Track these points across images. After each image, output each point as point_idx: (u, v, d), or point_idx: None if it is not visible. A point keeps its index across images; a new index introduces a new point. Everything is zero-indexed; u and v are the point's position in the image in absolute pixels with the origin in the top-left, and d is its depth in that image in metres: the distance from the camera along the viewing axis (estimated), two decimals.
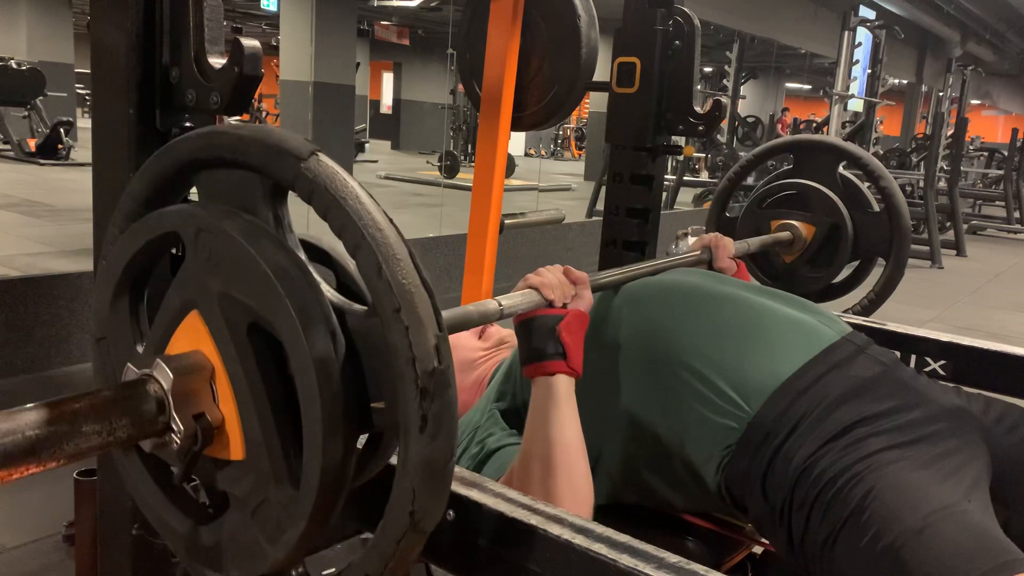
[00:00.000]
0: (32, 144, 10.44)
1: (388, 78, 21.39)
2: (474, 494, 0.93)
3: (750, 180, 5.13)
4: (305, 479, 0.72)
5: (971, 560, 0.88)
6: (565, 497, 1.08)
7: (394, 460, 0.73)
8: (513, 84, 2.17)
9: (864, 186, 2.06)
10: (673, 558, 0.81)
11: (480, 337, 1.52)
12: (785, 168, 2.14)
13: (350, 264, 0.80)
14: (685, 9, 1.96)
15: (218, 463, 0.78)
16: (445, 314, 0.78)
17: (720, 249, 1.59)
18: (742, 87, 13.16)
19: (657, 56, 1.95)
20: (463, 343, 1.50)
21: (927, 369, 1.66)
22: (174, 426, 0.75)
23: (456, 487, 0.94)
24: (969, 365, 1.63)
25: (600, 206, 3.93)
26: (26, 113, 10.71)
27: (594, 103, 14.45)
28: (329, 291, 0.74)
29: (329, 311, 0.71)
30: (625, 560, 0.80)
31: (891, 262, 1.99)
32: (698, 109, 1.97)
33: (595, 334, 1.24)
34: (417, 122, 19.68)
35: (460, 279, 2.36)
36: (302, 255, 0.74)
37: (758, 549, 1.27)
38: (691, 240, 1.73)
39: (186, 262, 0.79)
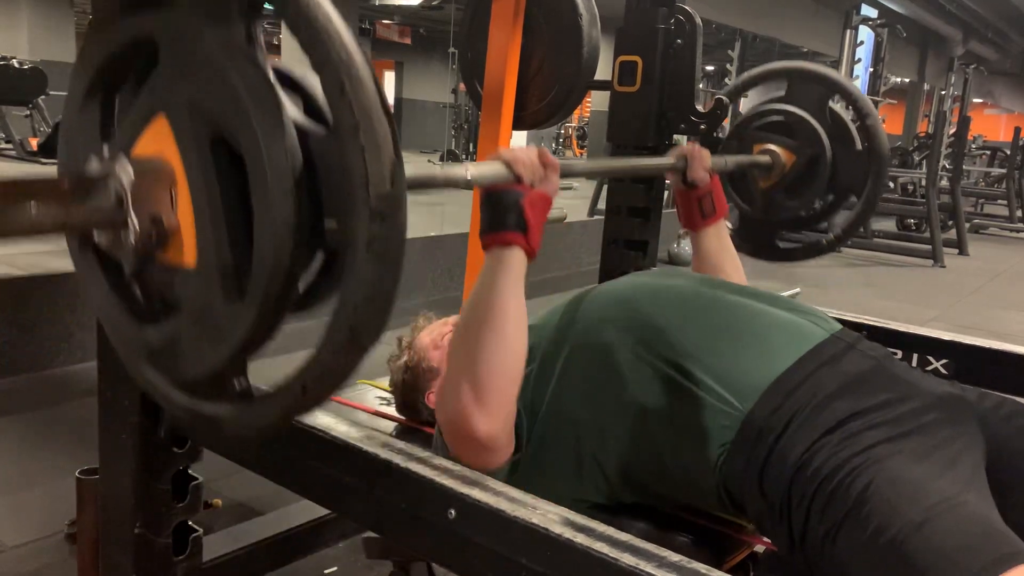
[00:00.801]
0: (34, 143, 10.43)
1: (390, 77, 21.39)
2: (475, 493, 0.93)
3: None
4: (252, 285, 0.74)
5: (973, 552, 0.88)
6: (489, 360, 1.07)
7: None
8: (515, 83, 2.16)
9: (852, 123, 2.02)
10: (674, 557, 0.81)
11: None
12: (777, 95, 2.09)
13: (319, 94, 0.80)
14: (687, 8, 1.96)
15: (170, 269, 0.81)
16: (409, 171, 0.79)
17: (696, 160, 1.59)
18: None
19: (659, 55, 1.95)
20: None
21: (929, 368, 1.66)
22: (130, 223, 0.76)
23: (457, 486, 0.94)
24: (971, 364, 1.63)
25: (602, 205, 3.93)
26: (28, 112, 10.72)
27: (596, 102, 14.43)
28: (294, 111, 0.75)
29: (290, 126, 0.72)
30: (627, 559, 0.80)
31: (863, 200, 1.96)
32: (700, 108, 1.97)
33: (587, 335, 1.24)
34: (419, 121, 19.67)
35: (462, 278, 2.36)
36: (272, 76, 0.75)
37: (760, 548, 1.27)
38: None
39: (159, 66, 0.80)
